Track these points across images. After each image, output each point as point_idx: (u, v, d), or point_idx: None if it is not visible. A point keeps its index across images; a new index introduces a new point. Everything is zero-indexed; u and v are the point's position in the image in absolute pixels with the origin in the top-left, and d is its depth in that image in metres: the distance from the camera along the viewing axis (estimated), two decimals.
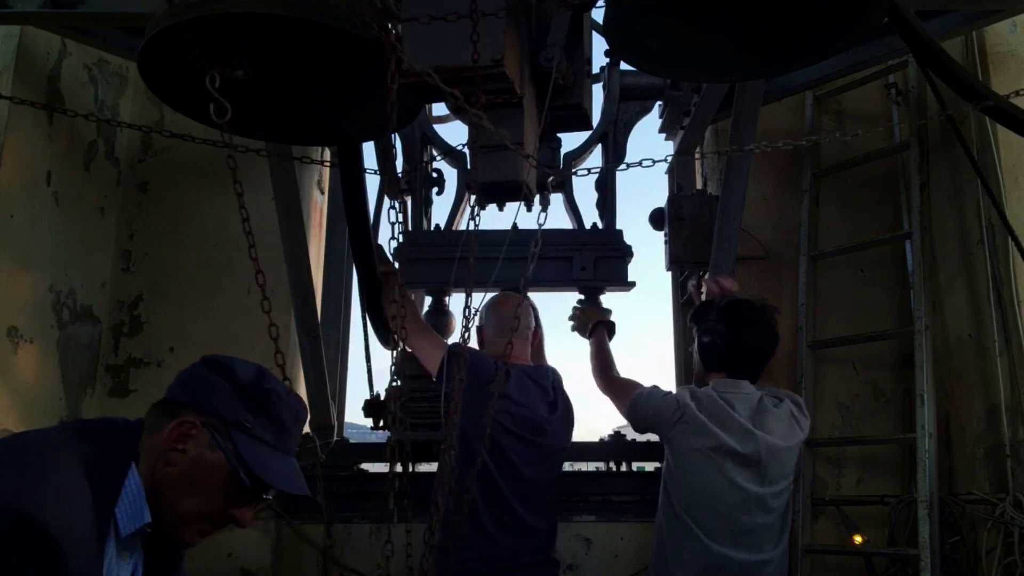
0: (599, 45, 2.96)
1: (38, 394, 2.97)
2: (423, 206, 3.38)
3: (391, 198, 2.23)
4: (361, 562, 3.10)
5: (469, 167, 1.92)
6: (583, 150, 3.32)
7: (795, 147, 3.41)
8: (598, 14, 2.18)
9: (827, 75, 3.13)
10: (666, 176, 3.86)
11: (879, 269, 3.39)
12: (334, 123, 2.08)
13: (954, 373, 3.12)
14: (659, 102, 3.42)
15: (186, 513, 1.29)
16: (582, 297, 3.11)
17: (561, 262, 3.05)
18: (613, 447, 3.36)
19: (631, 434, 3.46)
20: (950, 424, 3.15)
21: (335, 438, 3.30)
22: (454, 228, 3.32)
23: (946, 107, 2.53)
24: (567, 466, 3.16)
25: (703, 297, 2.95)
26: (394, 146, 2.44)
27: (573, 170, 3.08)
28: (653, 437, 3.64)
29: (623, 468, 3.36)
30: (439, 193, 3.39)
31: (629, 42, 1.94)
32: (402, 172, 3.15)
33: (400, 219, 2.16)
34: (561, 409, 2.67)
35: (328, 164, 3.29)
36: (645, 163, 2.71)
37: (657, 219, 3.35)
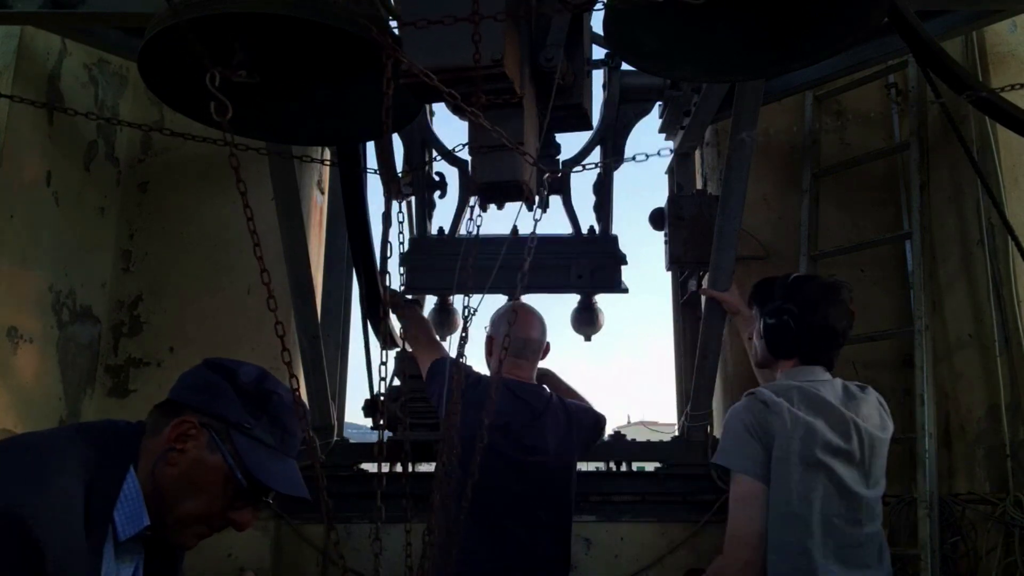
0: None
1: (38, 394, 2.97)
2: (425, 208, 3.38)
3: (392, 198, 2.23)
4: (361, 562, 3.10)
5: (469, 168, 1.92)
6: (582, 156, 3.33)
7: (795, 147, 3.42)
8: (598, 14, 2.18)
9: (827, 75, 3.13)
10: (666, 176, 3.87)
11: (879, 269, 3.39)
12: (334, 123, 2.08)
13: (954, 373, 3.12)
14: (659, 102, 3.42)
15: (185, 515, 1.28)
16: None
17: (559, 270, 3.13)
18: (613, 447, 3.36)
19: (631, 434, 3.47)
20: (950, 424, 3.15)
21: (335, 438, 3.31)
22: (458, 230, 3.33)
23: (946, 107, 2.53)
24: None
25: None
26: (392, 147, 2.44)
27: (571, 169, 3.09)
28: (653, 437, 3.66)
29: (623, 468, 3.36)
30: (442, 196, 3.40)
31: (629, 42, 1.94)
32: (402, 173, 3.16)
33: (402, 219, 2.17)
34: (551, 425, 2.56)
35: (328, 164, 3.29)
36: (639, 157, 2.72)
37: (657, 219, 3.35)
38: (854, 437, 1.95)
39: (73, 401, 3.19)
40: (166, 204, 3.53)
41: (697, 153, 3.74)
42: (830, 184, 3.46)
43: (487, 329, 2.72)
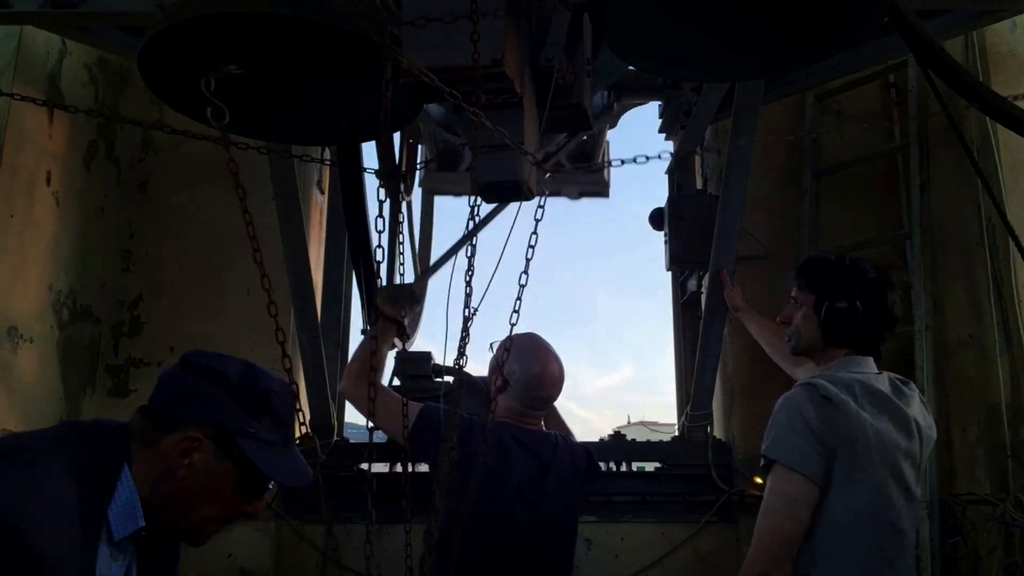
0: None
1: (38, 394, 2.97)
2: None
3: (391, 197, 2.22)
4: (361, 562, 3.09)
5: (470, 168, 1.92)
6: None
7: (795, 147, 3.41)
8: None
9: (827, 75, 3.13)
10: (666, 176, 3.87)
11: None
12: (333, 123, 2.08)
13: (954, 373, 3.12)
14: (659, 102, 3.42)
15: (201, 519, 1.31)
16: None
17: None
18: (613, 447, 3.36)
19: (631, 434, 3.47)
20: (950, 424, 3.14)
21: (335, 438, 3.31)
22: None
23: (946, 107, 2.52)
24: None
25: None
26: (392, 146, 2.43)
27: (569, 168, 3.08)
28: (653, 437, 3.66)
29: (623, 468, 3.36)
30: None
31: (629, 42, 1.94)
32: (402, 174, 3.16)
33: (402, 219, 2.17)
34: (558, 477, 2.37)
35: (328, 163, 3.29)
36: (639, 160, 2.70)
37: (657, 219, 3.35)
38: (915, 436, 1.85)
39: (73, 401, 3.19)
40: (166, 204, 3.53)
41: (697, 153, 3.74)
42: (830, 184, 3.46)
43: (501, 363, 2.34)
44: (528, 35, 1.85)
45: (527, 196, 1.88)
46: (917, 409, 1.92)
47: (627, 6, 1.78)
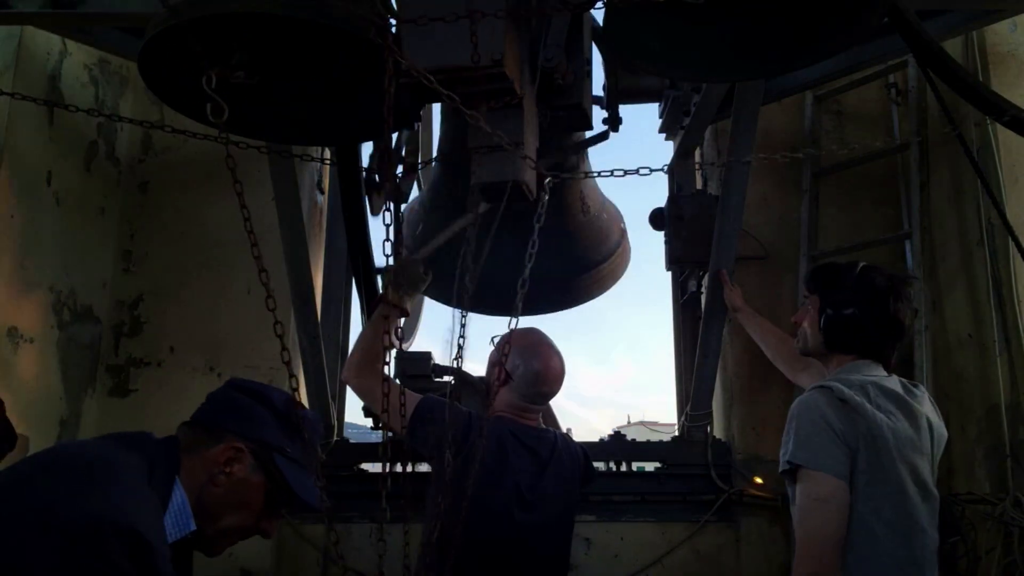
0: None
1: (38, 394, 2.97)
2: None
3: (390, 197, 2.23)
4: (361, 562, 3.10)
5: (470, 168, 1.92)
6: None
7: (795, 147, 3.41)
8: (598, 15, 2.18)
9: (827, 75, 3.13)
10: (666, 176, 3.86)
11: None
12: (333, 123, 2.08)
13: (954, 373, 3.12)
14: (659, 102, 3.42)
15: (227, 527, 1.41)
16: None
17: None
18: (613, 447, 3.36)
19: (631, 434, 3.47)
20: (950, 424, 3.13)
21: (335, 438, 3.31)
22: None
23: (946, 107, 2.53)
24: None
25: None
26: (392, 146, 2.43)
27: (567, 173, 3.07)
28: (653, 437, 3.66)
29: (623, 468, 3.36)
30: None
31: (629, 42, 1.95)
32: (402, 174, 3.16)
33: (404, 219, 2.17)
34: (556, 476, 2.35)
35: (328, 163, 3.29)
36: (642, 171, 2.62)
37: (657, 219, 3.35)
38: (929, 434, 1.86)
39: (74, 401, 3.19)
40: (166, 204, 3.53)
41: (697, 153, 3.74)
42: (830, 184, 3.46)
43: (501, 357, 2.29)
44: (528, 35, 1.85)
45: (527, 196, 1.88)
46: (929, 408, 1.92)
47: (627, 7, 1.79)
